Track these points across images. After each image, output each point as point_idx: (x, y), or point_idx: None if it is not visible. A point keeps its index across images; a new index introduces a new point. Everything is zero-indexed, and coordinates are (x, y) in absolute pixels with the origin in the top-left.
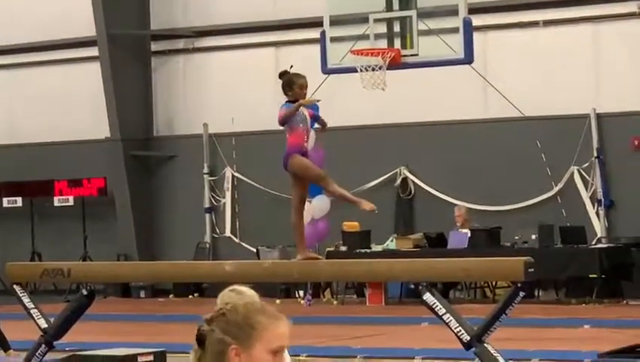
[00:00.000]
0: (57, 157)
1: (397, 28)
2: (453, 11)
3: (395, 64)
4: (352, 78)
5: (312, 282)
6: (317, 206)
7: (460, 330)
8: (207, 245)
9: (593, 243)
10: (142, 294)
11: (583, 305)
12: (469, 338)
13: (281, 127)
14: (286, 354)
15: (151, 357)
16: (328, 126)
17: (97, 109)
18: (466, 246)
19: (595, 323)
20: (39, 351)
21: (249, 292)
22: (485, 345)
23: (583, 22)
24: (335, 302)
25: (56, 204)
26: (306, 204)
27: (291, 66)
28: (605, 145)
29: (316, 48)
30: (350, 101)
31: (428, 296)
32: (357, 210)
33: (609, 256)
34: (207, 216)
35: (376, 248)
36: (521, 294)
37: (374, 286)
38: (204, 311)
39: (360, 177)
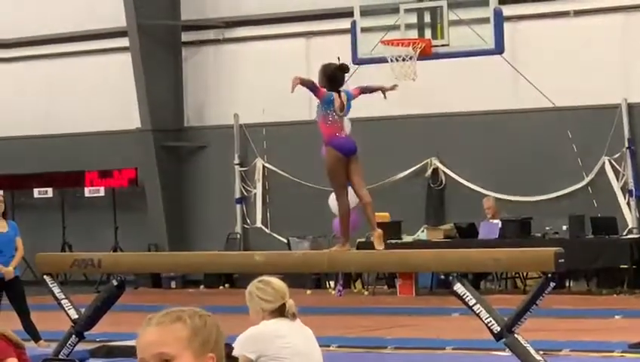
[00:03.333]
0: (88, 148)
1: (427, 18)
2: (483, 1)
3: (426, 54)
4: (383, 69)
5: (342, 273)
6: (349, 197)
7: (491, 321)
8: (238, 236)
9: (624, 233)
10: (172, 285)
11: (614, 295)
12: (499, 328)
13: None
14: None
15: None
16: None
17: (128, 100)
18: (496, 236)
19: (626, 314)
20: (70, 342)
21: (278, 283)
22: (516, 335)
23: (613, 11)
24: (366, 293)
25: (87, 194)
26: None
27: (338, 58)
28: (636, 135)
29: (347, 38)
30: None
31: (458, 287)
32: (388, 200)
33: None
34: (238, 206)
35: (407, 239)
36: (552, 285)
37: (405, 277)
38: (234, 302)
39: (391, 168)
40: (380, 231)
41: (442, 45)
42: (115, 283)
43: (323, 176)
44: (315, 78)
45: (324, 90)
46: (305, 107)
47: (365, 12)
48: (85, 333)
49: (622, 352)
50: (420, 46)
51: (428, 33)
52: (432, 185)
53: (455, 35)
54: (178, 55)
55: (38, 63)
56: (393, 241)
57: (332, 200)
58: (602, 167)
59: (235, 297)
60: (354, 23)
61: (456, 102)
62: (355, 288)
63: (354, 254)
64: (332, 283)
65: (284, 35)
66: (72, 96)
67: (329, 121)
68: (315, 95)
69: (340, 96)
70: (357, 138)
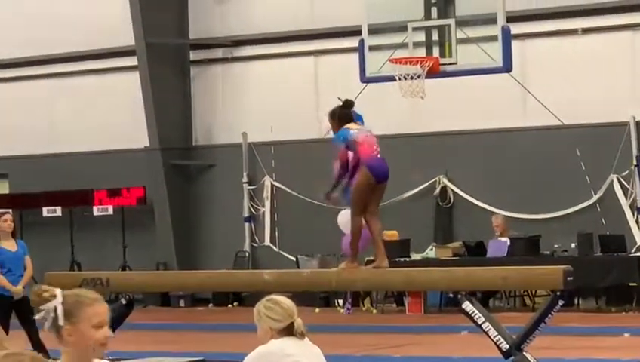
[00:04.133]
0: (97, 167)
1: (435, 36)
2: (491, 20)
3: (434, 72)
4: (391, 87)
5: (351, 291)
6: None
7: (499, 339)
8: (247, 254)
9: (633, 251)
10: (181, 303)
11: (623, 313)
12: (508, 346)
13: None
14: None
15: None
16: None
17: (136, 118)
18: (505, 254)
19: (635, 332)
20: None
21: (286, 302)
22: (524, 353)
23: (621, 29)
24: (374, 311)
25: (95, 213)
26: (348, 213)
27: (339, 98)
28: None
29: (355, 57)
30: (389, 110)
31: (467, 305)
32: (396, 219)
33: None
34: (247, 225)
35: (415, 257)
36: (561, 302)
37: (414, 295)
38: (243, 320)
39: (399, 186)
40: (386, 262)
41: (450, 63)
42: (123, 301)
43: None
44: (325, 96)
45: (340, 155)
46: (313, 125)
47: (373, 30)
48: None
49: None
50: (428, 64)
51: (436, 51)
52: (440, 203)
53: (463, 53)
54: (186, 73)
55: (46, 82)
56: (402, 259)
57: (341, 219)
58: (611, 185)
59: (244, 315)
60: (362, 42)
61: (465, 121)
62: (364, 306)
63: (362, 272)
64: (341, 302)
65: (293, 54)
66: (80, 115)
67: (357, 143)
68: (352, 168)
69: (354, 122)
70: None
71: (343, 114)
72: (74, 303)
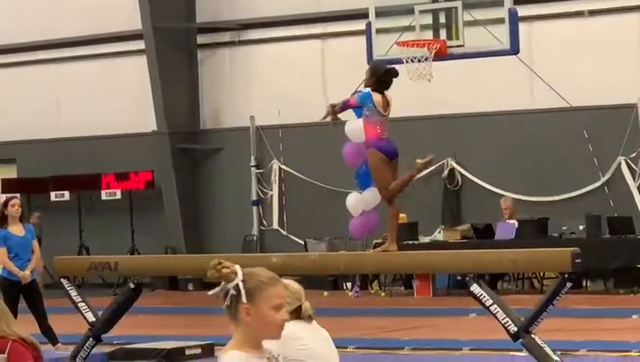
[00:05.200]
0: (104, 151)
1: (442, 19)
2: (498, 2)
3: (441, 55)
4: (398, 70)
5: (359, 274)
6: (367, 198)
7: (508, 321)
8: (255, 238)
9: None
10: (190, 287)
11: (631, 295)
12: (516, 329)
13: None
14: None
15: (199, 350)
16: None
17: (144, 103)
18: (513, 237)
19: None
20: (87, 345)
21: (294, 285)
22: (533, 335)
23: (628, 11)
24: (383, 294)
25: (103, 197)
26: (357, 195)
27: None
28: None
29: (362, 40)
30: (396, 92)
31: (475, 288)
32: (404, 201)
33: None
34: (255, 208)
35: (423, 240)
36: (569, 285)
37: (422, 278)
38: None
39: (407, 169)
40: (395, 247)
41: (457, 46)
42: (132, 286)
43: (340, 177)
44: (332, 79)
45: (353, 98)
46: (321, 108)
47: (380, 13)
48: (102, 336)
49: (639, 352)
50: (435, 47)
51: (443, 34)
52: (448, 186)
53: (470, 36)
54: (194, 57)
55: (53, 66)
56: (410, 242)
57: (350, 201)
58: (618, 167)
59: None
60: (369, 25)
61: (472, 103)
62: (372, 289)
63: (370, 255)
64: (349, 285)
65: (300, 37)
66: (87, 99)
67: (374, 120)
68: (351, 107)
69: (383, 95)
70: None
71: (383, 78)
72: (255, 282)
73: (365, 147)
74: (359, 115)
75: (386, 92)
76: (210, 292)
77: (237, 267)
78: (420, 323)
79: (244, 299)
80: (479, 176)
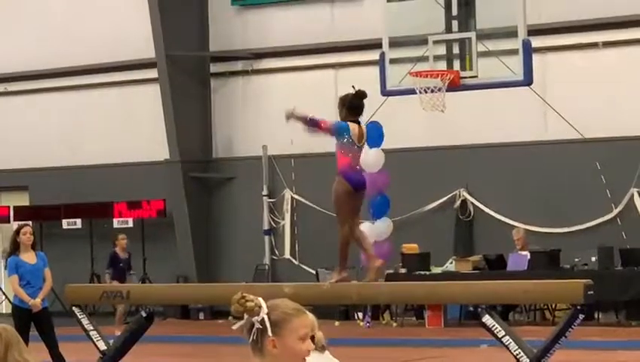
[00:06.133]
0: (117, 179)
1: (456, 49)
2: (512, 33)
3: (455, 86)
4: (411, 100)
5: (371, 304)
6: (379, 228)
7: (520, 353)
8: (267, 267)
9: None
10: (201, 316)
11: None
12: (528, 360)
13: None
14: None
15: None
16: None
17: (157, 131)
18: (525, 268)
19: None
20: None
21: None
22: None
23: None
24: (394, 324)
25: (115, 225)
26: (369, 225)
27: (353, 86)
28: None
29: (375, 70)
30: (409, 123)
31: (487, 319)
32: (416, 232)
33: None
34: (267, 237)
35: (435, 270)
36: (581, 316)
37: (433, 309)
38: None
39: (419, 199)
40: (381, 261)
41: (471, 76)
42: (143, 314)
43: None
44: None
45: (328, 121)
46: (334, 138)
47: (394, 43)
48: None
49: None
50: (448, 77)
51: (456, 64)
52: (460, 217)
53: (484, 67)
54: (207, 86)
55: (67, 94)
56: (422, 273)
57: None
58: (631, 199)
59: None
60: (382, 55)
61: (485, 134)
62: (384, 319)
63: (383, 286)
64: (360, 315)
65: (313, 67)
66: (100, 128)
67: (346, 150)
68: (320, 130)
69: (359, 125)
70: (386, 169)
71: (354, 104)
72: (280, 314)
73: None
74: (337, 142)
75: (362, 124)
76: (235, 327)
77: (261, 300)
78: (432, 354)
79: (269, 331)
80: (491, 207)
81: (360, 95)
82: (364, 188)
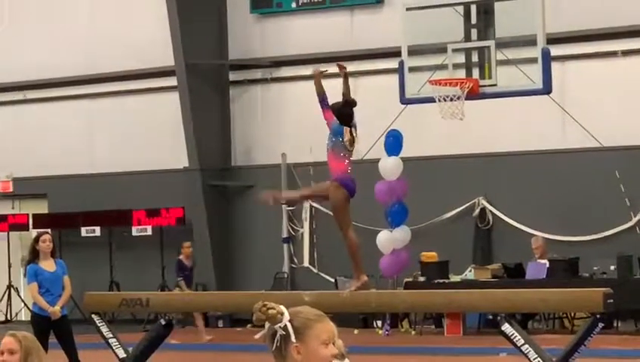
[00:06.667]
0: (136, 187)
1: (475, 58)
2: (531, 41)
3: (474, 94)
4: (431, 108)
5: (390, 312)
6: (397, 236)
7: (539, 361)
8: (286, 275)
9: None
10: (220, 324)
11: None
12: None
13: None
14: None
15: None
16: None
17: (176, 139)
18: (544, 276)
19: None
20: None
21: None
22: None
23: None
24: (413, 332)
25: (134, 233)
26: (387, 233)
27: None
28: None
29: (394, 78)
30: (428, 131)
31: (506, 327)
32: (435, 240)
33: None
34: (285, 246)
35: (454, 278)
36: (600, 325)
37: (452, 317)
38: None
39: (438, 207)
40: (367, 279)
41: (490, 85)
42: (162, 322)
43: (370, 215)
44: (364, 117)
45: (331, 116)
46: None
47: (413, 52)
48: None
49: None
50: (467, 86)
51: (476, 73)
52: (479, 225)
53: (503, 75)
54: (226, 94)
55: (86, 102)
56: (440, 281)
57: (380, 239)
58: None
59: None
60: (402, 63)
61: (504, 142)
62: (403, 327)
63: (402, 294)
64: (379, 323)
65: (332, 75)
66: (119, 135)
67: (341, 155)
68: (323, 115)
69: (350, 131)
70: (404, 177)
71: (343, 112)
72: (303, 320)
73: (331, 178)
74: (331, 142)
75: (354, 131)
76: (258, 335)
77: (282, 307)
78: None
79: (293, 338)
80: (510, 216)
81: (350, 103)
82: (354, 195)
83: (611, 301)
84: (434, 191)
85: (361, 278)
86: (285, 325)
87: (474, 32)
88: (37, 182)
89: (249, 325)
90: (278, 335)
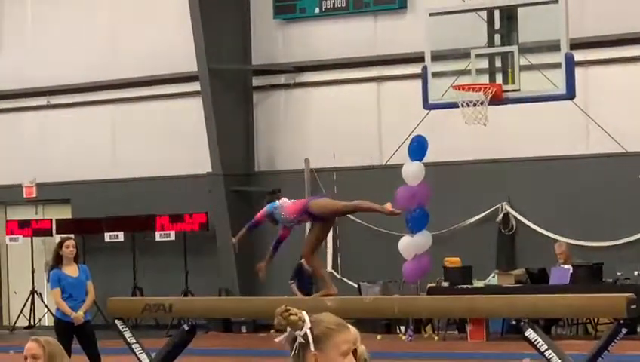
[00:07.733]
0: (159, 192)
1: (498, 63)
2: (554, 47)
3: (497, 99)
4: (454, 113)
5: (413, 318)
6: (419, 241)
7: None
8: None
9: None
10: (243, 329)
11: None
12: None
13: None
14: None
15: None
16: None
17: (199, 144)
18: (567, 282)
19: None
20: None
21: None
22: None
23: None
24: (436, 338)
25: (157, 238)
26: (409, 238)
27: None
28: None
29: (418, 83)
30: (451, 136)
31: (530, 332)
32: (459, 245)
33: None
34: None
35: (477, 284)
36: (624, 331)
37: (476, 322)
38: None
39: (461, 213)
40: (335, 290)
41: (513, 90)
42: (186, 327)
43: (393, 220)
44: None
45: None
46: (375, 152)
47: (436, 57)
48: None
49: None
50: (491, 91)
51: (499, 78)
52: (502, 230)
53: (526, 80)
54: (249, 99)
55: (109, 107)
56: (464, 286)
57: (402, 245)
58: None
59: None
60: (425, 68)
61: (527, 147)
62: (426, 333)
63: (424, 300)
64: (402, 328)
65: (355, 80)
66: (142, 141)
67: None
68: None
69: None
70: (428, 183)
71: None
72: (323, 329)
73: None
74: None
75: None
76: (278, 339)
77: (304, 313)
78: None
79: (312, 346)
80: (534, 221)
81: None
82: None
83: (635, 306)
84: (458, 196)
85: (331, 289)
86: (305, 333)
87: (497, 38)
88: (60, 187)
89: (272, 330)
90: (297, 341)
